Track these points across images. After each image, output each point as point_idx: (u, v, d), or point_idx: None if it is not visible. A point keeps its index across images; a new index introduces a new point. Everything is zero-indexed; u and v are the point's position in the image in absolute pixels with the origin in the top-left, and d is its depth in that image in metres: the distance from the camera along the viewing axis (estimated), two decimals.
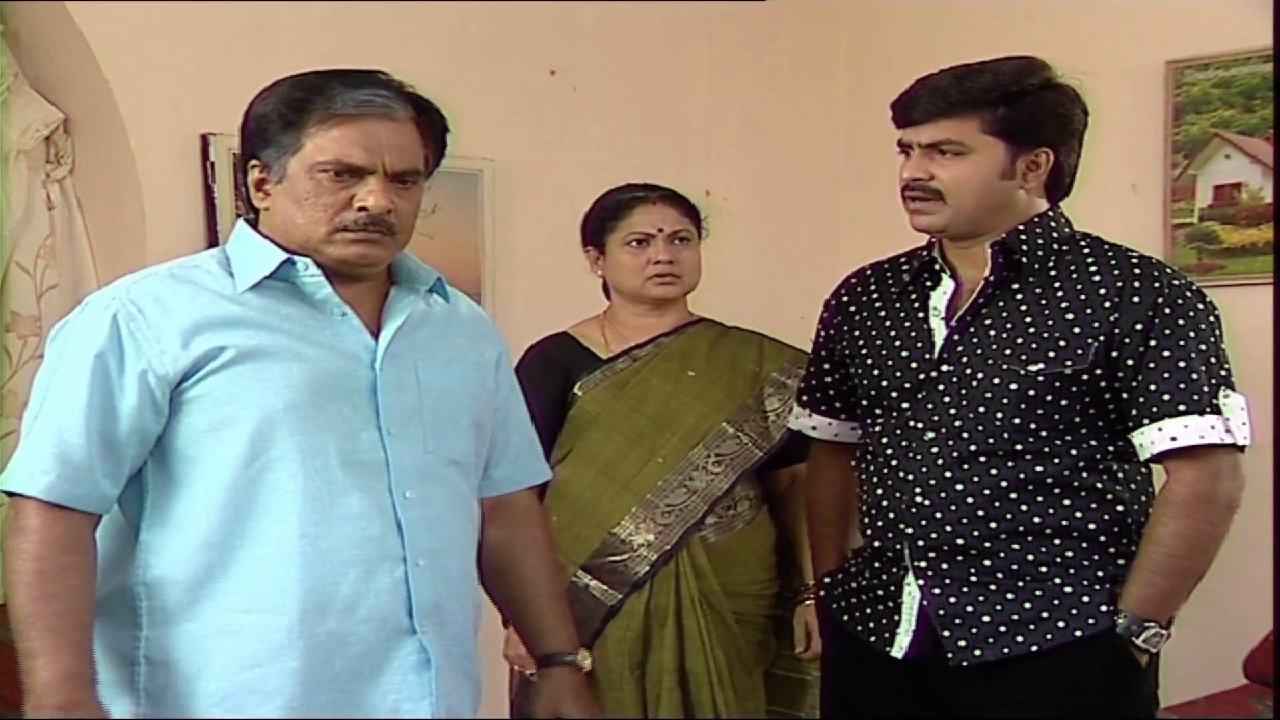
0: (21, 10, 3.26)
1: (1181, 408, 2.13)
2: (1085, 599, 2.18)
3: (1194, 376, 2.14)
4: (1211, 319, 2.21)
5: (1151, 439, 2.15)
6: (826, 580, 2.48)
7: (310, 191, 1.89)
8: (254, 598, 1.84)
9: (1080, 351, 2.17)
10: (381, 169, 1.89)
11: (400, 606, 1.90)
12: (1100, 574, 2.19)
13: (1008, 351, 2.21)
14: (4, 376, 3.30)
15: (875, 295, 2.41)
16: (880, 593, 2.32)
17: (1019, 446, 2.19)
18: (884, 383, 2.33)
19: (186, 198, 3.31)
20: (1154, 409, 2.14)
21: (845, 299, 2.46)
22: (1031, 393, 2.18)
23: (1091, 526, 2.19)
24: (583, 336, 2.85)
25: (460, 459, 2.01)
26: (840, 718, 2.47)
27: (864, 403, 2.40)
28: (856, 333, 2.40)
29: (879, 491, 2.31)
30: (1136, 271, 2.20)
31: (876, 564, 2.33)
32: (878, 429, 2.35)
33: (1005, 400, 2.20)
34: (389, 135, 1.90)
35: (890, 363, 2.33)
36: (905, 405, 2.29)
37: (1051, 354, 2.18)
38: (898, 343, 2.33)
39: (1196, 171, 3.67)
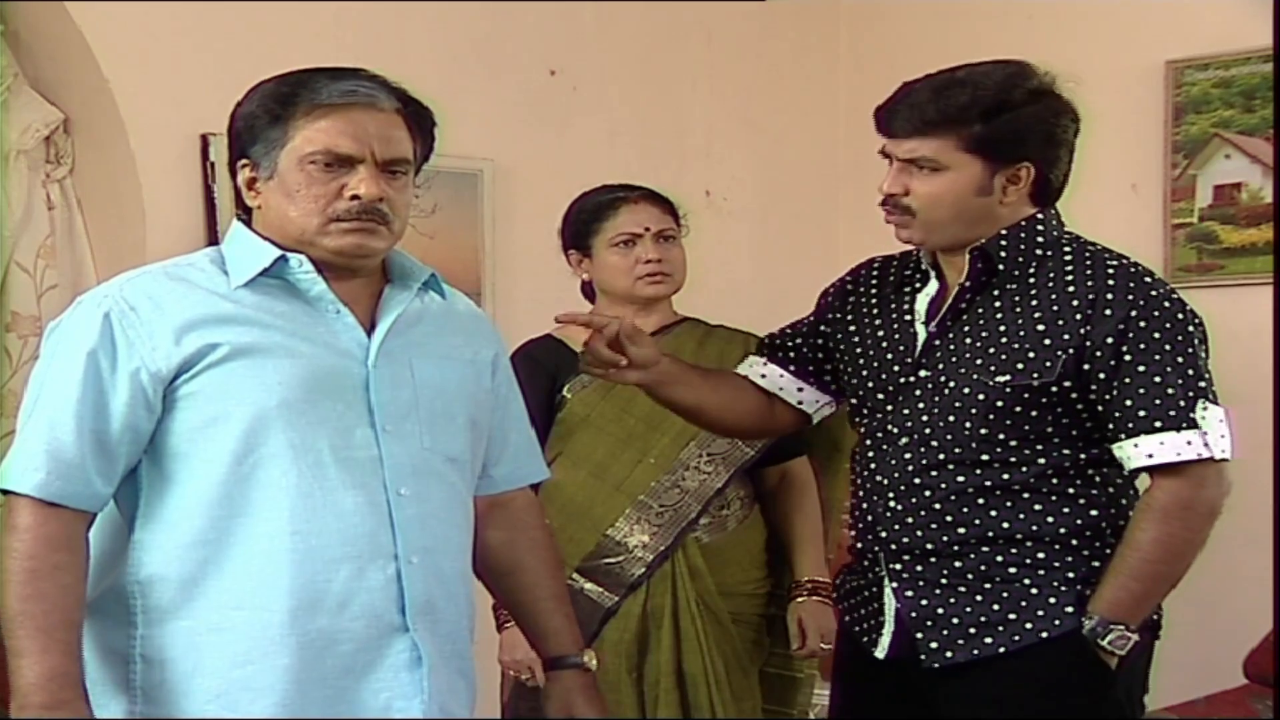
0: (21, 10, 3.26)
1: (1157, 424, 2.10)
2: (1052, 600, 2.16)
3: (1170, 391, 2.11)
4: (1190, 329, 2.16)
5: (1129, 454, 2.13)
6: (836, 581, 2.48)
7: (301, 183, 1.90)
8: (245, 595, 1.84)
9: (1049, 364, 2.15)
10: (371, 157, 1.90)
11: (392, 604, 1.89)
12: (1070, 576, 2.17)
13: (979, 361, 2.19)
14: (4, 376, 3.30)
15: (875, 291, 2.40)
16: (866, 594, 2.33)
17: (985, 456, 2.18)
18: (870, 384, 2.33)
19: (186, 198, 3.32)
20: (1130, 424, 2.12)
21: (849, 286, 2.45)
22: (999, 403, 2.16)
23: (1062, 531, 2.17)
24: (568, 338, 2.83)
25: (456, 456, 2.01)
26: (840, 716, 2.48)
27: (852, 402, 2.39)
28: (851, 327, 2.39)
29: (859, 494, 2.33)
30: (1111, 283, 2.16)
31: (863, 564, 2.34)
32: (862, 430, 2.35)
33: (974, 410, 2.18)
34: (376, 125, 1.91)
35: (876, 364, 2.32)
36: (889, 408, 2.28)
37: (1020, 365, 2.16)
38: (884, 344, 2.32)
39: (1196, 171, 3.67)
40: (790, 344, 2.49)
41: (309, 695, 1.85)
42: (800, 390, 2.47)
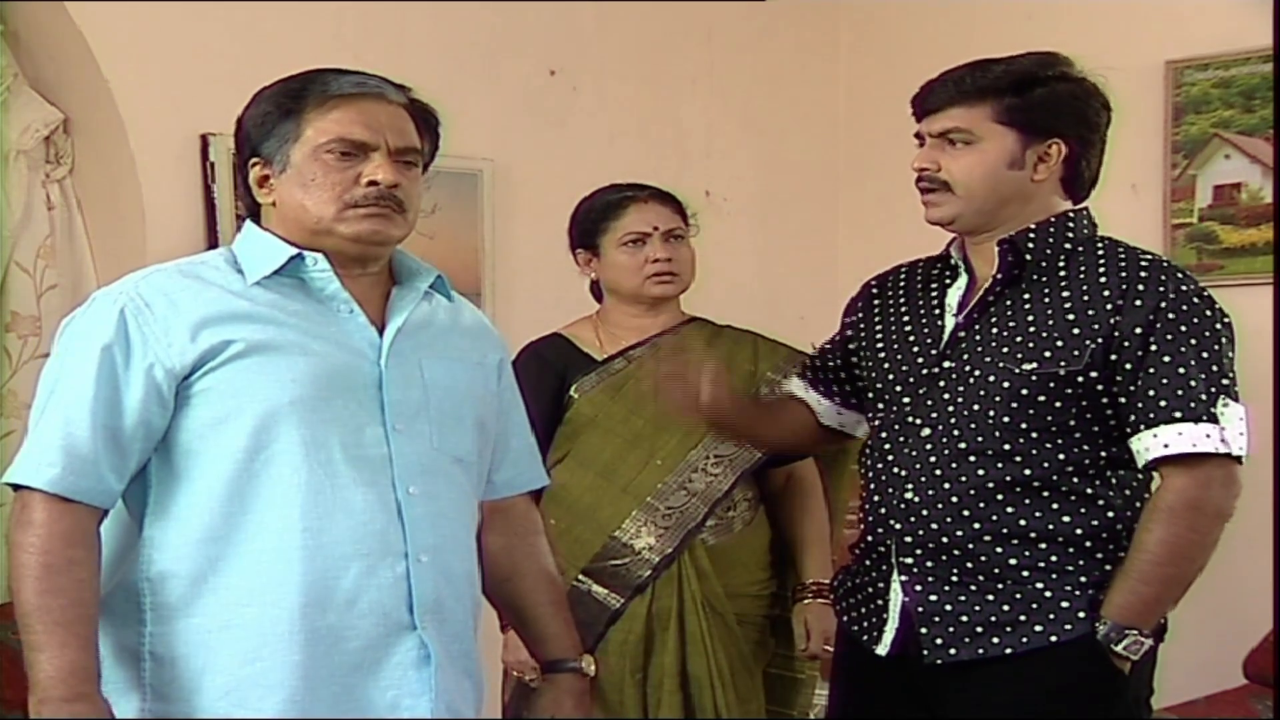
0: (21, 10, 3.26)
1: (1177, 415, 2.10)
2: (1064, 604, 2.15)
3: (1192, 384, 2.11)
4: (1218, 326, 2.16)
5: (1146, 445, 2.12)
6: (834, 582, 2.48)
7: (317, 173, 1.91)
8: (255, 591, 1.84)
9: (1076, 353, 2.15)
10: (385, 145, 1.92)
11: (401, 602, 1.90)
12: (1083, 579, 2.16)
13: (1006, 350, 2.19)
14: (4, 376, 3.30)
15: (903, 290, 2.40)
16: (871, 590, 2.31)
17: (1007, 447, 2.17)
18: (890, 376, 2.32)
19: (186, 198, 3.32)
20: (1150, 414, 2.11)
21: (874, 290, 2.46)
22: (1024, 392, 2.16)
23: (1078, 531, 2.17)
24: (576, 338, 2.83)
25: (464, 457, 2.01)
26: (839, 715, 2.47)
27: (869, 395, 2.39)
28: (876, 324, 2.40)
29: (873, 487, 2.31)
30: (1144, 275, 2.16)
31: (869, 560, 2.33)
32: (878, 423, 2.34)
33: (998, 399, 2.18)
34: (387, 115, 1.94)
35: (900, 356, 2.32)
36: (907, 400, 2.28)
37: (1047, 354, 2.16)
38: (911, 337, 2.32)
39: (1196, 171, 3.67)
40: (828, 365, 2.52)
41: (318, 692, 1.85)
42: (840, 414, 2.51)
